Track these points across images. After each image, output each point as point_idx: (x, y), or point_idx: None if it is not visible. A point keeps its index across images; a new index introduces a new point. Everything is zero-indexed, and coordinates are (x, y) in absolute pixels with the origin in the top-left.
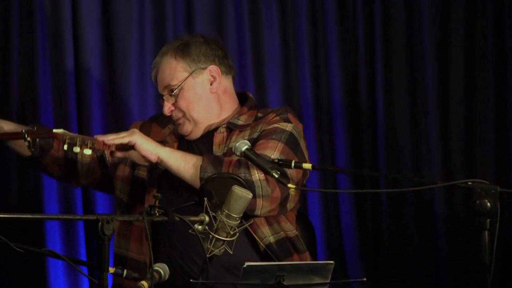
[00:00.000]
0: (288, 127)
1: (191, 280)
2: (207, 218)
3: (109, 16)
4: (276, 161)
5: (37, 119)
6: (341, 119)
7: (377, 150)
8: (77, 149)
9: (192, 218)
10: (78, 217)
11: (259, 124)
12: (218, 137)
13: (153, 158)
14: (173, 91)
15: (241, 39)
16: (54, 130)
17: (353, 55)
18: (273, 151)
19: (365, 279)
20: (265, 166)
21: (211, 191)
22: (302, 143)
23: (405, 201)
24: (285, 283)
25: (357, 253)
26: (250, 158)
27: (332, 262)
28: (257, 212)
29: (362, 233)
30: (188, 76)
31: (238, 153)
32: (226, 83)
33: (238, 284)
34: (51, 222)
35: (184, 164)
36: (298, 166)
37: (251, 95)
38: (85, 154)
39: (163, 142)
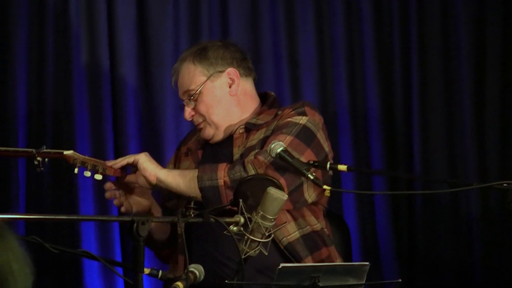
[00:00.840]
0: (301, 120)
1: (226, 281)
2: (242, 220)
3: (144, 19)
4: (311, 162)
5: (72, 122)
6: (376, 123)
7: (413, 153)
8: (88, 174)
9: (227, 220)
10: (113, 218)
11: (275, 120)
12: (238, 139)
13: (152, 179)
14: (192, 96)
15: (276, 44)
16: (65, 152)
17: (389, 59)
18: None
19: (400, 280)
20: (300, 167)
21: (246, 192)
22: (320, 135)
23: (440, 203)
24: (320, 284)
25: (392, 254)
26: (285, 160)
27: (367, 263)
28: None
29: (397, 234)
30: (207, 80)
31: (273, 155)
32: (245, 85)
33: (273, 285)
34: (87, 223)
35: (182, 181)
36: (333, 168)
37: (273, 94)
38: None
39: (187, 152)
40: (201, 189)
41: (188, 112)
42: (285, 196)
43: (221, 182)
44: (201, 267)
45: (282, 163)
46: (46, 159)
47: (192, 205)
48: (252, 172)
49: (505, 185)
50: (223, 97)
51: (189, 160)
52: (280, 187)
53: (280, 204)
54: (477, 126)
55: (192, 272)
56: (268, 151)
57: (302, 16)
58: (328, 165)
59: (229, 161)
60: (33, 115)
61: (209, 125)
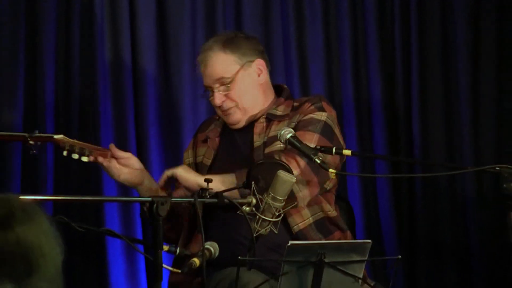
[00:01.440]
0: (322, 116)
1: (239, 257)
2: (254, 201)
3: (163, 13)
4: (318, 147)
5: (96, 110)
6: (379, 112)
7: (413, 139)
8: (75, 156)
9: (240, 201)
10: (134, 199)
11: (296, 114)
12: (258, 127)
13: (194, 188)
14: (226, 83)
15: (286, 37)
16: (55, 136)
17: (391, 52)
18: (310, 142)
19: (399, 256)
20: (308, 152)
21: (258, 175)
22: (337, 130)
23: (438, 186)
24: (326, 260)
25: (393, 233)
26: (294, 145)
27: (369, 241)
28: (301, 204)
29: (398, 215)
30: (240, 69)
31: (283, 140)
32: (267, 76)
33: (282, 261)
34: (110, 204)
35: (222, 186)
36: (338, 153)
37: (286, 87)
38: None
39: (206, 139)
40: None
41: (219, 98)
42: (293, 179)
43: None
44: (216, 245)
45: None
46: (39, 143)
47: (207, 186)
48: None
49: (497, 168)
50: (253, 85)
51: (206, 146)
52: (289, 171)
53: (289, 186)
54: (472, 114)
55: (207, 249)
56: (278, 136)
57: (310, 10)
58: (334, 150)
59: (249, 148)
60: (60, 104)
61: (239, 110)
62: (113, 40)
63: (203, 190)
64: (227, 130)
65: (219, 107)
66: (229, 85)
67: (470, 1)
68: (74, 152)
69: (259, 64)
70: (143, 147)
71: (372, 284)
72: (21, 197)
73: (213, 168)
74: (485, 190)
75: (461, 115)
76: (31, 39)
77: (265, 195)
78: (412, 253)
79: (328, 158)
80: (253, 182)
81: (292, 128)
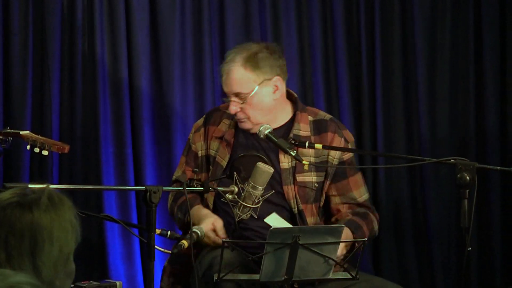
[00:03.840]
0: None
1: (222, 240)
2: (236, 189)
3: (156, 23)
4: (293, 142)
5: (97, 108)
6: (347, 109)
7: (377, 135)
8: (37, 150)
9: (224, 189)
10: (130, 188)
11: (323, 142)
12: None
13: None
14: (242, 97)
15: (265, 41)
16: (21, 132)
17: (357, 56)
18: (362, 188)
19: (366, 239)
20: (284, 146)
21: (240, 166)
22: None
23: (400, 175)
24: (300, 242)
25: None
26: (272, 140)
27: (343, 225)
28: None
29: None
30: (257, 87)
31: (261, 136)
32: (284, 87)
33: (263, 242)
34: (108, 192)
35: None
36: (311, 146)
37: (295, 95)
38: None
39: (221, 137)
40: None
41: (234, 108)
42: (271, 170)
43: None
44: (202, 228)
45: None
46: (10, 138)
47: (195, 177)
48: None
49: (452, 160)
50: (268, 102)
51: (219, 142)
52: (267, 163)
53: (267, 176)
54: (430, 111)
55: (195, 232)
56: (258, 133)
57: (286, 22)
58: (307, 144)
59: (271, 161)
60: (64, 104)
61: (250, 122)
62: (111, 46)
63: (191, 180)
64: (242, 131)
65: (234, 114)
66: (245, 100)
67: (427, 13)
68: (36, 146)
69: (276, 81)
70: (138, 142)
71: (342, 264)
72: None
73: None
74: (441, 179)
75: (419, 113)
76: (39, 46)
77: (246, 184)
78: (377, 236)
79: None
80: (235, 173)
81: (336, 171)
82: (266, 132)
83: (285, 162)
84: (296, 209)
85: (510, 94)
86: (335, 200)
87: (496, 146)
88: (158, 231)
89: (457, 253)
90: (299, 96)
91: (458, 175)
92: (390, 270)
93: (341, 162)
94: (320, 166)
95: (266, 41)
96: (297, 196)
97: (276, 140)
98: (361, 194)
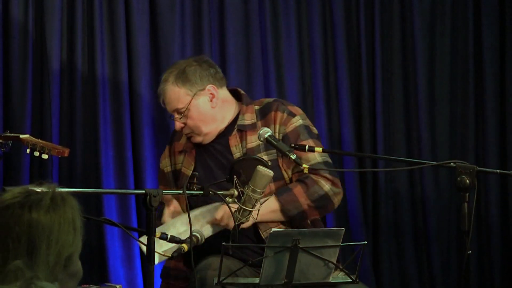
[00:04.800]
0: (298, 121)
1: (223, 243)
2: (236, 193)
3: (155, 27)
4: (293, 145)
5: (97, 112)
6: (347, 112)
7: (376, 138)
8: (37, 153)
9: (224, 192)
10: (130, 191)
11: (269, 124)
12: (233, 140)
13: (250, 224)
14: (181, 113)
15: (264, 48)
16: (21, 136)
17: (357, 59)
18: (314, 155)
19: (366, 242)
20: (284, 149)
21: (240, 170)
22: (309, 121)
23: (400, 179)
24: (300, 245)
25: (359, 221)
26: (272, 143)
27: (343, 228)
28: (335, 206)
29: (364, 205)
30: (191, 99)
31: (261, 139)
32: (222, 94)
33: (263, 246)
34: (108, 196)
35: (271, 217)
36: (311, 150)
37: (241, 91)
38: None
39: (182, 150)
40: (290, 217)
41: (178, 125)
42: (271, 173)
43: (305, 206)
44: (202, 232)
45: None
46: (10, 142)
47: (194, 180)
48: (326, 186)
49: (452, 164)
50: (207, 111)
51: (183, 155)
52: (267, 166)
53: (267, 179)
54: (429, 115)
55: (195, 236)
56: (258, 136)
57: (285, 25)
58: (306, 148)
59: (227, 159)
60: (64, 106)
61: (197, 135)
62: (111, 50)
63: (190, 183)
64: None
65: (181, 131)
66: (184, 114)
67: (426, 16)
68: (36, 150)
69: (210, 90)
70: (138, 144)
71: (341, 267)
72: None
73: (202, 160)
74: (441, 182)
75: (419, 116)
76: (38, 49)
77: (246, 188)
78: (376, 239)
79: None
80: (235, 176)
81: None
82: (266, 135)
83: (237, 152)
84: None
85: (510, 96)
86: (288, 174)
87: (495, 149)
88: (158, 234)
89: (456, 256)
90: (299, 99)
91: (458, 178)
92: (390, 273)
93: (285, 135)
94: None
95: (263, 45)
96: None
97: (276, 143)
98: (308, 160)
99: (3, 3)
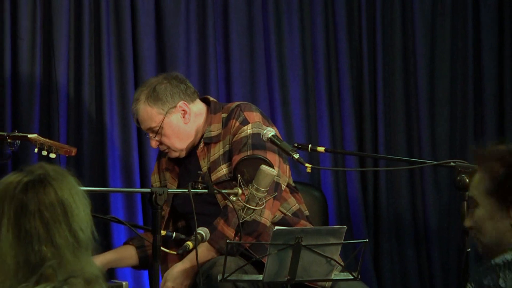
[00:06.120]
0: (248, 130)
1: (227, 241)
2: (240, 191)
3: (161, 29)
4: (296, 145)
5: (103, 112)
6: (349, 112)
7: (378, 137)
8: (44, 153)
9: (228, 191)
10: (136, 190)
11: (227, 134)
12: (201, 154)
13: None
14: (155, 132)
15: (267, 48)
16: (29, 135)
17: (359, 59)
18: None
19: (367, 240)
20: (287, 149)
21: (243, 169)
22: (264, 129)
23: (400, 178)
24: (303, 243)
25: (361, 219)
26: (275, 143)
27: (345, 226)
28: (268, 223)
29: (365, 203)
30: (164, 117)
31: (265, 139)
32: (194, 107)
33: (265, 243)
34: (115, 194)
35: (207, 256)
36: (313, 150)
37: (211, 98)
38: None
39: (167, 168)
40: (222, 249)
41: (154, 143)
42: (274, 172)
43: (231, 236)
44: (207, 230)
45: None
46: (18, 141)
47: (200, 179)
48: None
49: (452, 163)
50: (180, 127)
51: (168, 173)
52: (271, 165)
53: (270, 178)
54: (429, 115)
55: (200, 233)
56: (261, 135)
57: (288, 25)
58: (309, 147)
59: (196, 171)
60: (72, 107)
61: (173, 151)
62: (118, 51)
63: (195, 182)
64: (181, 158)
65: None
66: (159, 132)
67: (427, 17)
68: (43, 149)
69: (182, 106)
70: (143, 145)
71: (343, 265)
72: None
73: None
74: (441, 181)
75: (420, 117)
76: (46, 51)
77: (250, 187)
78: (377, 237)
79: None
80: (239, 175)
81: (228, 150)
82: (270, 135)
83: (204, 165)
84: (224, 202)
85: (509, 96)
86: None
87: None
88: (163, 232)
89: (457, 255)
90: (302, 99)
91: (458, 178)
92: (391, 271)
93: (232, 144)
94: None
95: (266, 47)
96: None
97: (279, 143)
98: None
99: (11, 5)
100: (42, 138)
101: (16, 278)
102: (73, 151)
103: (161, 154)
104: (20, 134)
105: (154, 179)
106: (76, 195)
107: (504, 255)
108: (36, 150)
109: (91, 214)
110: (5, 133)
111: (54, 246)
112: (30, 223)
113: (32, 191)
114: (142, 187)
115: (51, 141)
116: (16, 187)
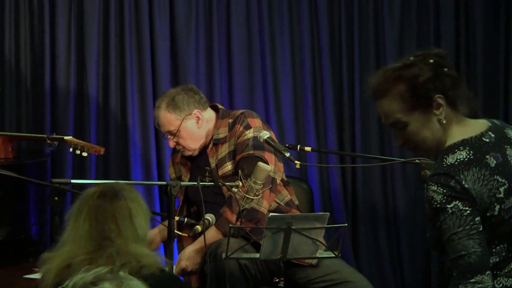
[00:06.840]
0: (249, 134)
1: (230, 225)
2: (240, 184)
3: (175, 50)
4: (287, 145)
5: (126, 116)
6: (331, 118)
7: (355, 139)
8: (78, 152)
9: (231, 184)
10: (154, 182)
11: (232, 136)
12: (210, 152)
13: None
14: (173, 134)
15: (264, 65)
16: (65, 137)
17: (339, 74)
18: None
19: (346, 224)
20: (280, 149)
21: (244, 165)
22: (263, 133)
23: (374, 172)
24: (293, 227)
25: (341, 207)
26: (270, 143)
27: (328, 213)
28: (266, 211)
29: (345, 194)
30: (181, 123)
31: (262, 140)
32: (206, 115)
33: (261, 227)
34: (136, 186)
35: (215, 237)
36: (302, 149)
37: (220, 106)
38: None
39: (180, 162)
40: (227, 232)
41: (171, 143)
42: (269, 168)
43: (235, 221)
44: (213, 216)
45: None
46: (56, 142)
47: (207, 174)
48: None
49: (417, 160)
50: (194, 131)
51: (182, 166)
52: (266, 162)
53: (266, 173)
54: None
55: (207, 219)
56: (258, 137)
57: (281, 46)
58: (298, 147)
59: (205, 166)
60: (100, 114)
61: (187, 150)
62: (139, 70)
63: (203, 176)
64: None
65: (174, 147)
66: (176, 135)
67: (396, 34)
68: (77, 149)
69: (196, 114)
70: (160, 146)
71: (326, 245)
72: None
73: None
74: (408, 175)
75: None
76: (79, 69)
77: (249, 180)
78: (355, 222)
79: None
80: (240, 171)
81: (233, 150)
82: (265, 137)
83: (213, 162)
84: (228, 193)
85: (498, 96)
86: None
87: None
88: (176, 218)
89: (421, 236)
90: (292, 107)
91: (422, 173)
92: (366, 251)
93: (235, 145)
94: (308, 165)
95: (262, 61)
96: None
97: (273, 144)
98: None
99: (50, 30)
100: (76, 139)
101: (85, 254)
102: (102, 151)
103: (175, 150)
104: (58, 136)
105: (171, 171)
106: (138, 206)
107: (454, 155)
108: (71, 149)
109: (148, 224)
110: (45, 135)
111: (122, 237)
112: (105, 219)
113: (109, 199)
114: (159, 180)
115: (83, 142)
116: (93, 194)
